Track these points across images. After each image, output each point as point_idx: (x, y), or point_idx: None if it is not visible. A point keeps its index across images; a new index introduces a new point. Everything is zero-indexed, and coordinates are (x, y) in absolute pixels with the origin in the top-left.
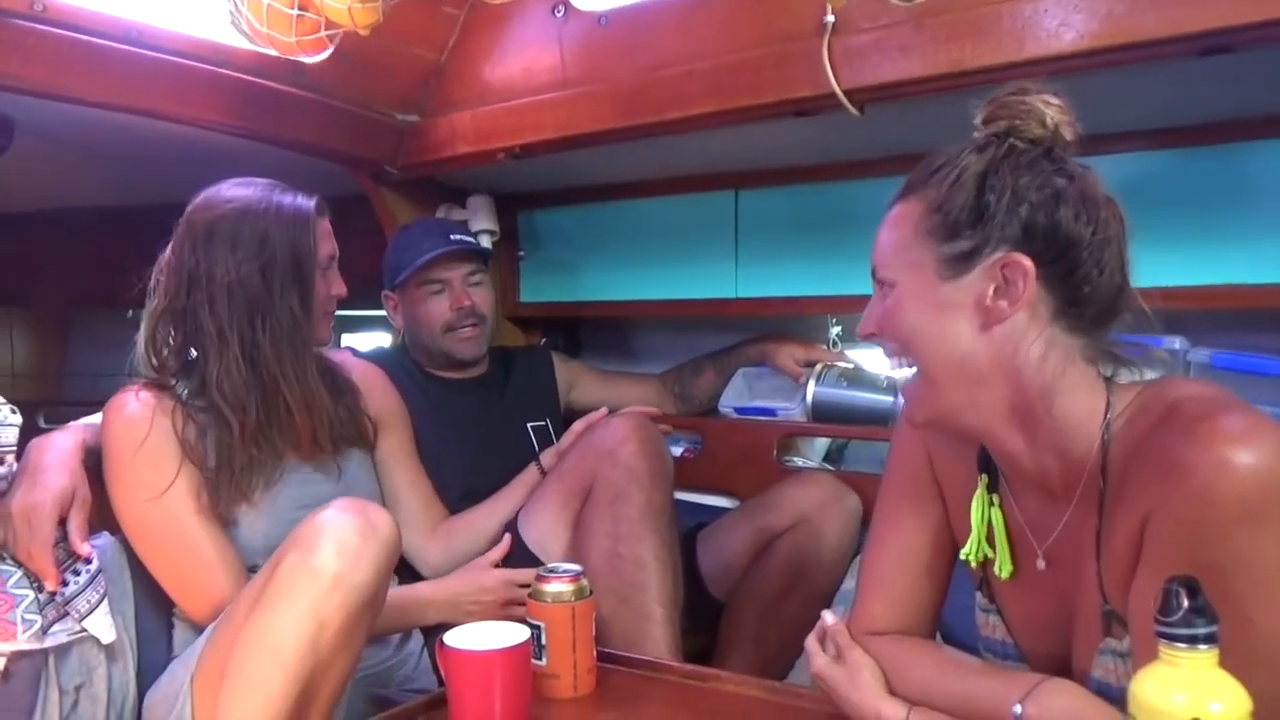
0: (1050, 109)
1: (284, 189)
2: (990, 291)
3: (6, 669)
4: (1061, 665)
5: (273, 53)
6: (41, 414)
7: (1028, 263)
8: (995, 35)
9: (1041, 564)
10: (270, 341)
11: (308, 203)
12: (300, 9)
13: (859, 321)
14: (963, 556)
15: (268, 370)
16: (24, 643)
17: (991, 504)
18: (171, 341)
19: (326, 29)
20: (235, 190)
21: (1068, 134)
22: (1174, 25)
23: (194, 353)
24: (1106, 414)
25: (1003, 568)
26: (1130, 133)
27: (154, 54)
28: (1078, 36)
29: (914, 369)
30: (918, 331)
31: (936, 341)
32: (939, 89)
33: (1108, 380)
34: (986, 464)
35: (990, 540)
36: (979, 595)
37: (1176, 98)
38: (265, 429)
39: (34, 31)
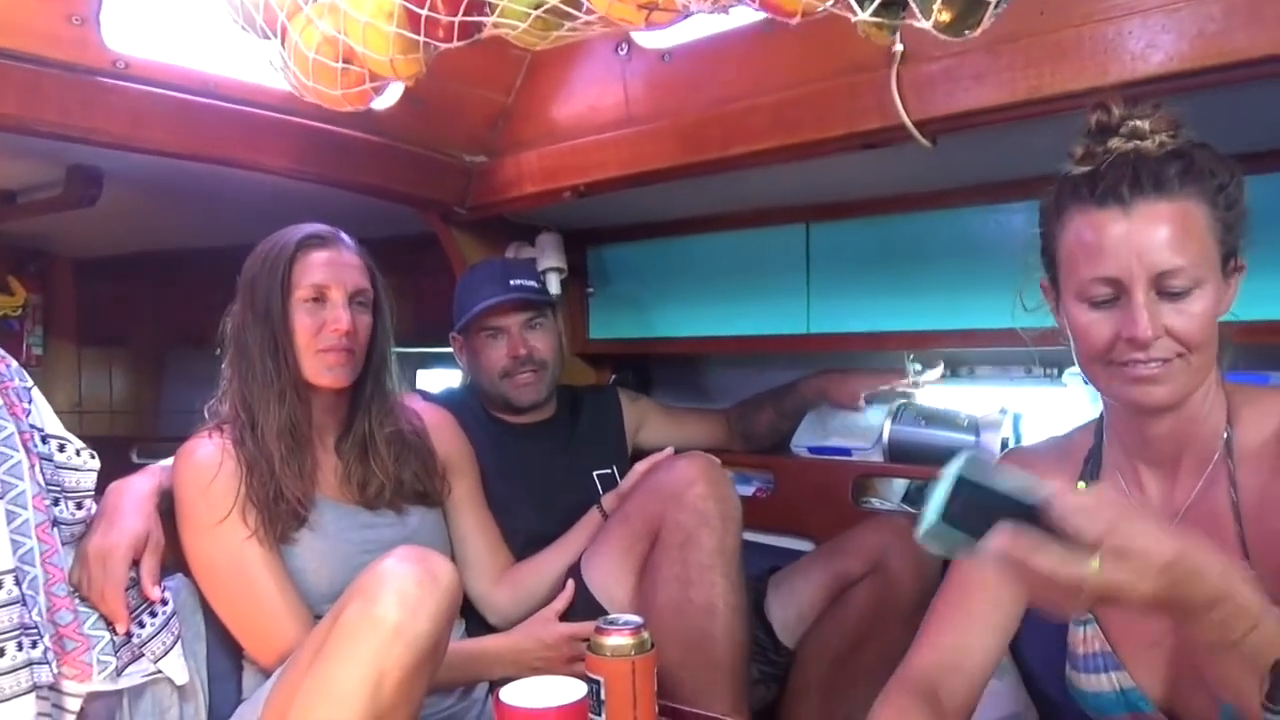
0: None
1: (300, 229)
2: (1233, 279)
3: (82, 709)
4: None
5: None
6: (135, 449)
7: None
8: (1076, 59)
9: None
10: (249, 385)
11: (293, 237)
12: (345, 62)
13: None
14: None
15: (253, 415)
16: (99, 684)
17: None
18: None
19: (371, 81)
20: (270, 236)
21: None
22: (1272, 44)
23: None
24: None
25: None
26: None
27: (228, 105)
28: (1166, 58)
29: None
30: (1209, 328)
31: (1214, 336)
32: (1016, 117)
33: None
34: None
35: None
36: None
37: (1272, 119)
38: (269, 469)
39: (116, 88)
